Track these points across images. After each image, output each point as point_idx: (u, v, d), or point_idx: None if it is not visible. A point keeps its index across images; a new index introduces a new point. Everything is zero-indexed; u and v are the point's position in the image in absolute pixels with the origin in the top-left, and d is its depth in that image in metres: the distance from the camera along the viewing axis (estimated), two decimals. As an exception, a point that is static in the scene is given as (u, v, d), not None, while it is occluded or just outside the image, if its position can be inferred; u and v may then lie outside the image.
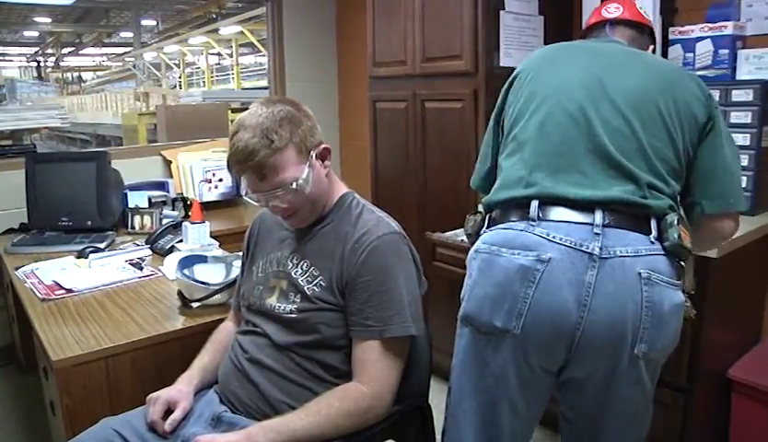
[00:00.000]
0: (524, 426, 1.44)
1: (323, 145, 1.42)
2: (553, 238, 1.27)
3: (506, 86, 1.59)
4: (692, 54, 2.28)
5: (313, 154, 1.39)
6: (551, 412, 1.48)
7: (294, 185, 1.35)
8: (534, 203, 1.32)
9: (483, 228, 1.44)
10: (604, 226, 1.26)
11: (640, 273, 1.25)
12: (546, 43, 2.62)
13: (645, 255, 1.26)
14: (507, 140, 1.48)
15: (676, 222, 1.30)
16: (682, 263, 1.33)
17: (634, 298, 1.25)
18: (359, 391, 1.32)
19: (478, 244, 1.40)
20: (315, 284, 1.40)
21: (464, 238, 2.37)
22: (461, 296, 1.43)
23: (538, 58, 1.57)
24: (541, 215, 1.31)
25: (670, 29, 2.37)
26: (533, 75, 1.51)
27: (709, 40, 2.24)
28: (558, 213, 1.30)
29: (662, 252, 1.29)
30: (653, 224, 1.30)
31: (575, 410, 1.46)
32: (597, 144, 1.33)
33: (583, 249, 1.25)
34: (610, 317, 1.25)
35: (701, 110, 1.40)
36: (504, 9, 2.52)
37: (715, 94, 2.14)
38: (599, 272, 1.24)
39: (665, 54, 2.35)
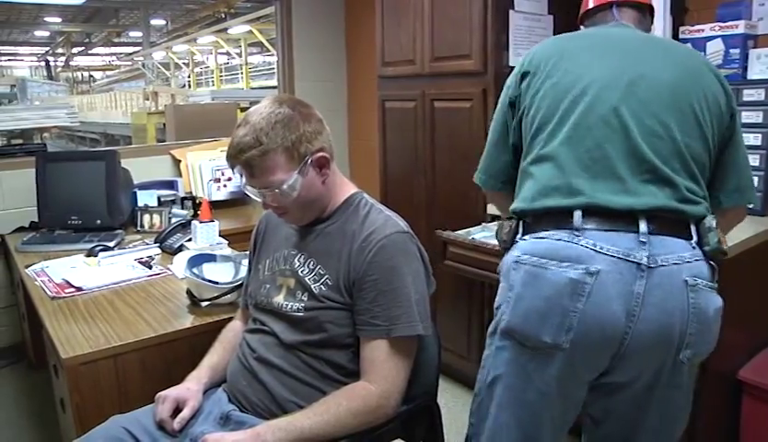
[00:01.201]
0: (560, 433, 1.42)
1: (320, 154, 1.38)
2: (601, 248, 1.23)
3: (515, 78, 1.51)
4: (702, 54, 2.26)
5: (308, 160, 1.38)
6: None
7: (278, 189, 1.36)
8: (578, 214, 1.27)
9: (519, 235, 1.38)
10: (648, 233, 1.24)
11: (686, 281, 1.24)
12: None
13: (690, 262, 1.25)
14: (534, 144, 1.40)
15: (714, 226, 1.29)
16: (714, 265, 1.31)
17: (682, 306, 1.24)
18: (367, 390, 1.32)
19: (518, 254, 1.33)
20: (322, 283, 1.40)
21: (476, 236, 2.36)
22: (496, 305, 1.39)
23: (552, 51, 1.47)
24: (584, 224, 1.27)
25: (681, 28, 2.35)
26: (553, 72, 1.42)
27: (720, 39, 2.23)
28: (602, 222, 1.26)
29: (702, 257, 1.28)
30: (692, 228, 1.29)
31: (608, 412, 1.44)
32: (632, 146, 1.29)
33: (630, 259, 1.22)
34: (658, 325, 1.23)
35: (726, 104, 1.39)
36: (513, 9, 2.51)
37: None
38: (648, 281, 1.22)
39: (675, 54, 2.33)
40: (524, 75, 1.48)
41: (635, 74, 1.34)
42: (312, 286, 1.40)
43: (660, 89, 1.33)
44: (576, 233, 1.26)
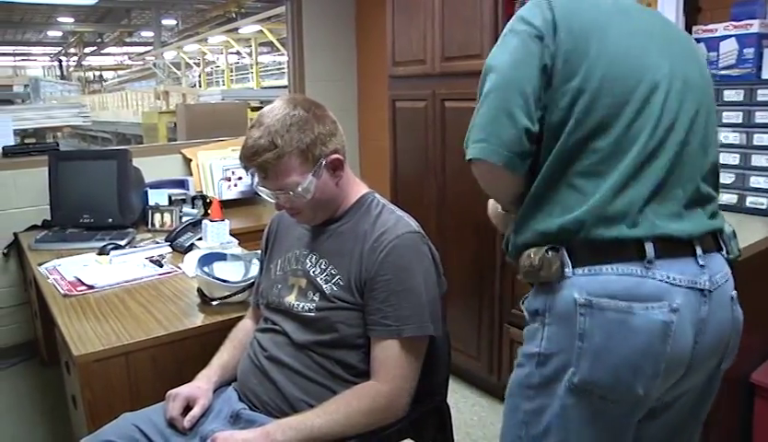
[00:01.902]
0: None
1: (334, 156, 1.39)
2: (674, 280, 1.11)
3: (549, 30, 1.15)
4: (715, 53, 2.24)
5: (323, 162, 1.38)
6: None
7: (293, 192, 1.36)
8: (650, 245, 1.11)
9: (568, 268, 1.14)
10: (703, 254, 1.16)
11: (732, 296, 1.21)
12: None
13: (729, 276, 1.21)
14: (587, 151, 1.14)
15: (733, 233, 1.25)
16: None
17: (729, 321, 1.20)
18: (377, 390, 1.32)
19: (582, 294, 1.12)
20: (333, 283, 1.40)
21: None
22: (546, 352, 1.17)
23: (589, 22, 1.17)
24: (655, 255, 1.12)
25: (694, 28, 2.33)
26: (603, 56, 1.14)
27: (734, 38, 2.21)
28: (666, 250, 1.13)
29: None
30: (720, 240, 1.23)
31: (641, 438, 1.29)
32: (683, 163, 1.16)
33: (697, 286, 1.13)
34: (715, 344, 1.19)
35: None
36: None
37: (740, 93, 2.12)
38: (710, 306, 1.15)
39: (688, 53, 2.32)
40: (556, 36, 1.15)
41: (682, 74, 1.19)
42: (324, 287, 1.40)
43: (700, 93, 1.21)
44: (648, 266, 1.11)
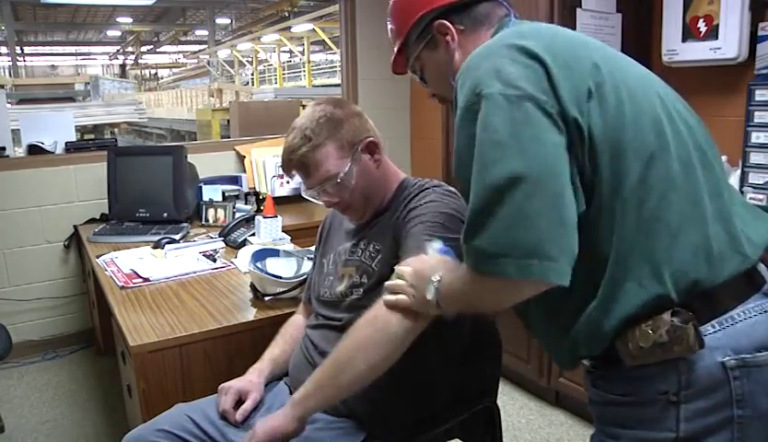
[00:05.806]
0: None
1: (369, 139, 1.43)
2: None
3: None
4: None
5: (358, 147, 1.41)
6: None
7: (336, 179, 1.39)
8: (762, 267, 0.98)
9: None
10: None
11: None
12: (624, 44, 2.51)
13: None
14: None
15: None
16: None
17: None
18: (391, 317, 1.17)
19: (730, 355, 0.91)
20: (378, 261, 1.41)
21: None
22: (688, 435, 0.93)
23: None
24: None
25: (760, 24, 2.25)
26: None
27: (803, 36, 2.12)
28: None
29: None
30: None
31: None
32: None
33: None
34: None
35: None
36: (581, 6, 2.46)
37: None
38: None
39: (752, 52, 2.23)
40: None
41: None
42: (371, 265, 1.41)
43: None
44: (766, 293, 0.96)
